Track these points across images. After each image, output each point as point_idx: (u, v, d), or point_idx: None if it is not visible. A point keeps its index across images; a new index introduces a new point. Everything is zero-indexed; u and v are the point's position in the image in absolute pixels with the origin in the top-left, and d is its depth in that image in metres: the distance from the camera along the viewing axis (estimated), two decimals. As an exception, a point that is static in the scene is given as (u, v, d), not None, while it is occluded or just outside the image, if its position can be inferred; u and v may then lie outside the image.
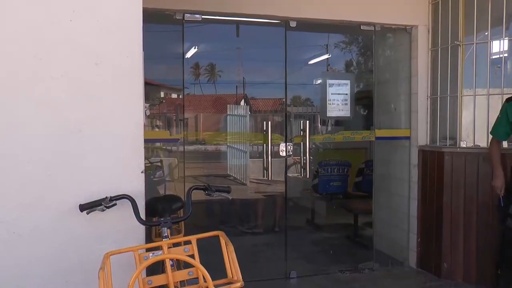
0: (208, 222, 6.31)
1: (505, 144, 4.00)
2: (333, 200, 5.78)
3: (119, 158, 2.30)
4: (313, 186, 5.81)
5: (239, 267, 1.98)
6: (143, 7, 2.39)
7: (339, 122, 5.86)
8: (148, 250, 2.11)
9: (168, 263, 1.97)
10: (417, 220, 4.58)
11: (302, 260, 4.76)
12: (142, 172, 2.33)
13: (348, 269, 4.50)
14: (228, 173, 8.51)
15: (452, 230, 4.21)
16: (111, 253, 1.94)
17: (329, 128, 6.48)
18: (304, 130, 4.42)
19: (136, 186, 2.31)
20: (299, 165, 4.74)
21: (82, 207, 2.17)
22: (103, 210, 2.17)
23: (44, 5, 2.19)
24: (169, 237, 2.17)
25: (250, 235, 5.72)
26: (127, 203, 2.19)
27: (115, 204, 2.18)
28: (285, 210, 4.65)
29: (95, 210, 2.17)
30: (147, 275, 2.08)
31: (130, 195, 2.21)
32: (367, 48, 6.31)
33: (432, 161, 4.39)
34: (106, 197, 2.18)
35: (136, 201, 2.21)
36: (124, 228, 2.28)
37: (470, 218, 4.13)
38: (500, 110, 3.78)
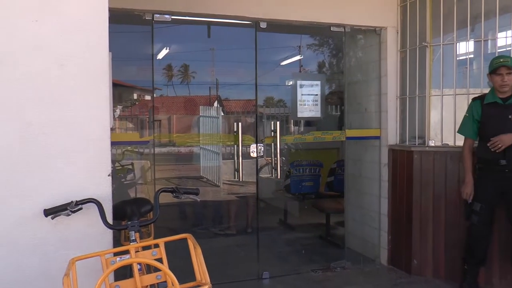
0: (181, 225, 6.26)
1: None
2: (305, 200, 5.81)
3: (85, 161, 2.25)
4: (285, 186, 5.84)
5: (212, 269, 1.96)
6: (111, 7, 2.34)
7: (311, 123, 5.91)
8: (116, 254, 2.07)
9: (135, 267, 1.93)
10: (388, 218, 4.64)
11: (275, 261, 4.77)
12: (109, 175, 2.28)
13: (321, 268, 4.52)
14: (201, 174, 8.48)
15: (422, 227, 4.28)
16: (77, 259, 1.89)
17: (301, 129, 6.52)
18: (275, 131, 4.43)
19: (103, 189, 2.26)
20: (271, 166, 4.75)
21: (47, 212, 2.10)
22: (68, 215, 2.11)
23: (8, 5, 2.13)
24: (137, 240, 2.13)
25: (222, 236, 5.70)
26: (94, 207, 2.14)
27: (81, 208, 2.13)
28: (257, 211, 4.65)
29: (60, 214, 2.11)
30: (116, 280, 2.04)
31: (97, 198, 2.16)
32: (338, 49, 6.39)
33: (402, 160, 4.46)
34: (72, 201, 2.12)
35: (103, 205, 2.16)
36: (91, 232, 2.23)
37: (439, 215, 4.21)
38: (467, 110, 3.87)
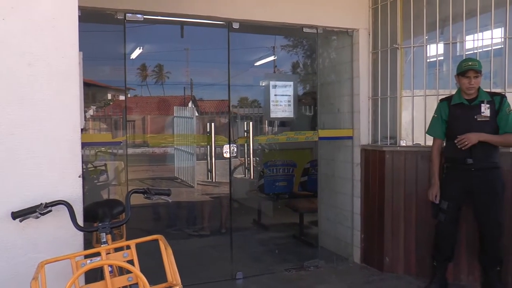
0: (155, 226, 6.21)
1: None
2: (279, 200, 5.83)
3: (55, 162, 2.21)
4: (259, 186, 5.86)
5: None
6: (82, 6, 2.32)
7: (285, 123, 5.94)
8: (87, 257, 2.05)
9: (106, 270, 1.91)
10: (361, 217, 4.71)
11: (249, 261, 4.78)
12: (79, 177, 2.25)
13: (294, 267, 4.55)
14: (175, 175, 8.43)
15: (393, 226, 4.36)
16: (46, 262, 1.86)
17: (276, 129, 6.55)
18: (248, 131, 4.44)
19: (73, 191, 2.23)
20: (244, 166, 4.76)
21: (14, 215, 2.06)
22: (37, 217, 2.07)
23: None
24: (109, 242, 2.11)
25: (196, 237, 5.68)
26: (64, 209, 2.11)
27: (50, 211, 2.09)
28: (230, 212, 4.65)
29: (28, 217, 2.07)
30: (86, 283, 2.01)
31: (67, 200, 2.13)
32: (311, 50, 6.44)
33: (374, 160, 4.53)
34: (41, 204, 2.09)
35: (74, 207, 2.13)
36: (61, 235, 2.19)
37: (410, 213, 4.30)
38: (435, 111, 3.96)
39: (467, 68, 3.64)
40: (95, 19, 4.03)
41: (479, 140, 3.62)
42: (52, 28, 2.20)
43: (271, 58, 6.97)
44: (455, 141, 3.68)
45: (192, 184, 7.73)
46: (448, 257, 3.93)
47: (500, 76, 4.09)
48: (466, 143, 3.63)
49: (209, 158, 4.36)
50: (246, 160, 4.50)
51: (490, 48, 4.15)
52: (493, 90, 3.99)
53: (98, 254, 2.00)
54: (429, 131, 4.02)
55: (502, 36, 4.07)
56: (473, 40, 4.22)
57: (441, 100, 3.97)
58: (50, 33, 2.20)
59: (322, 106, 5.08)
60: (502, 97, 3.72)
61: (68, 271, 1.96)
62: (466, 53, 4.23)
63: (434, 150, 3.93)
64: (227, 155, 4.28)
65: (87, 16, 3.66)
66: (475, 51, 4.17)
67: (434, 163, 3.92)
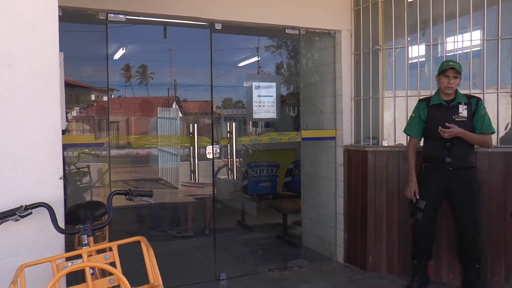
0: (139, 228, 6.19)
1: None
2: (262, 200, 5.84)
3: (35, 164, 2.19)
4: (242, 187, 5.86)
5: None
6: (63, 6, 2.30)
7: (269, 124, 5.96)
8: (69, 259, 2.03)
9: (88, 272, 1.90)
10: (344, 217, 4.74)
11: (232, 261, 4.78)
12: (60, 178, 2.23)
13: (278, 267, 4.57)
14: (159, 176, 8.39)
15: (376, 225, 4.41)
16: (26, 265, 1.84)
17: (259, 130, 6.57)
18: (231, 132, 4.44)
19: (54, 193, 2.21)
20: (227, 167, 4.77)
21: (-7, 218, 2.04)
22: (17, 220, 2.04)
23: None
24: (90, 244, 2.10)
25: (180, 238, 5.67)
26: (45, 211, 2.09)
27: (30, 213, 2.07)
28: (214, 213, 4.65)
29: (7, 220, 2.04)
30: (68, 286, 2.00)
31: (48, 202, 2.11)
32: (294, 52, 6.47)
33: (357, 160, 4.57)
34: (21, 206, 2.06)
35: (55, 209, 2.11)
36: (42, 238, 2.17)
37: (393, 213, 4.35)
38: (413, 110, 4.02)
39: (448, 67, 3.73)
40: (77, 19, 4.00)
41: (457, 137, 3.70)
42: (32, 28, 2.17)
43: (255, 59, 6.99)
44: (440, 128, 3.72)
45: (176, 186, 7.71)
46: (427, 256, 4.00)
47: (479, 77, 4.16)
48: (451, 131, 3.68)
49: (192, 159, 4.36)
50: (229, 161, 4.50)
51: (469, 50, 4.22)
52: (472, 91, 4.08)
53: (79, 256, 1.99)
54: (406, 130, 4.08)
55: (481, 38, 4.14)
56: (454, 42, 4.30)
57: (420, 100, 4.04)
58: (30, 34, 2.17)
59: (305, 107, 5.11)
60: (478, 100, 3.84)
61: (49, 275, 1.94)
62: (447, 54, 4.30)
63: (410, 148, 4.00)
64: (210, 156, 4.28)
65: (68, 16, 3.63)
66: (455, 53, 4.24)
67: (410, 160, 3.98)
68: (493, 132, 3.85)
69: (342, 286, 4.16)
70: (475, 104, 3.80)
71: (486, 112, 3.79)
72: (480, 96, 3.98)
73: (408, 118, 4.08)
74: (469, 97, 3.87)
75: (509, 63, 4.06)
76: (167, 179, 8.12)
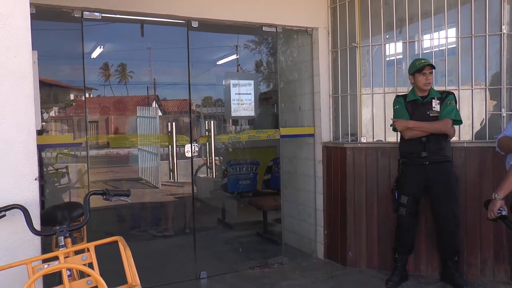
0: (119, 228, 6.13)
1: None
2: (242, 198, 5.85)
3: (8, 165, 2.15)
4: (222, 185, 5.85)
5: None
6: (37, 3, 2.26)
7: (248, 122, 5.96)
8: (45, 261, 2.00)
9: (64, 274, 1.87)
10: (324, 214, 4.78)
11: (213, 260, 4.77)
12: (35, 180, 2.19)
13: (258, 265, 4.58)
14: (140, 176, 8.33)
15: (356, 221, 4.45)
16: (0, 269, 1.81)
17: (239, 128, 6.57)
18: (209, 131, 4.43)
19: (29, 194, 2.17)
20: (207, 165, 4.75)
21: (-34, 221, 1.99)
22: (-10, 223, 2.01)
23: None
24: (67, 246, 2.07)
25: (161, 238, 5.63)
26: (19, 213, 2.05)
27: (4, 215, 2.03)
28: (193, 211, 4.63)
29: (-19, 222, 2.00)
30: (45, 288, 1.97)
31: (22, 204, 2.07)
32: (272, 49, 6.48)
33: (336, 157, 4.60)
34: (-6, 208, 2.02)
35: (30, 211, 2.07)
36: (17, 240, 2.13)
37: (372, 208, 4.40)
38: (394, 103, 4.02)
39: (424, 64, 3.79)
40: (51, 17, 3.93)
41: (430, 133, 3.79)
42: (2, 26, 2.13)
43: (233, 57, 6.97)
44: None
45: (156, 185, 7.66)
46: (409, 249, 4.07)
47: (455, 74, 4.23)
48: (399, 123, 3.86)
49: (171, 158, 4.34)
50: (209, 159, 4.49)
51: (445, 48, 4.29)
52: (448, 88, 4.14)
53: (57, 258, 1.96)
54: (399, 118, 3.94)
55: (456, 35, 4.21)
56: (430, 39, 4.36)
57: (397, 96, 4.09)
58: (0, 32, 2.13)
59: (283, 104, 5.12)
60: (449, 93, 3.91)
61: (24, 277, 1.91)
62: (424, 52, 4.35)
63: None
64: (188, 154, 4.25)
65: (42, 14, 3.56)
66: (431, 50, 4.30)
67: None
68: (457, 120, 3.85)
69: (322, 282, 4.20)
70: (446, 97, 3.88)
71: (453, 103, 3.84)
72: (456, 92, 4.04)
73: (393, 112, 4.02)
74: (442, 92, 3.95)
75: (483, 60, 4.14)
76: (147, 179, 8.06)
